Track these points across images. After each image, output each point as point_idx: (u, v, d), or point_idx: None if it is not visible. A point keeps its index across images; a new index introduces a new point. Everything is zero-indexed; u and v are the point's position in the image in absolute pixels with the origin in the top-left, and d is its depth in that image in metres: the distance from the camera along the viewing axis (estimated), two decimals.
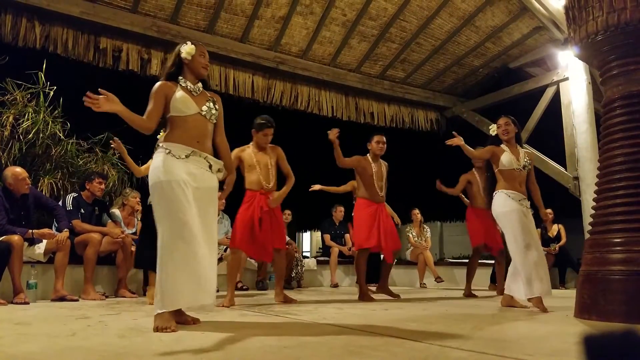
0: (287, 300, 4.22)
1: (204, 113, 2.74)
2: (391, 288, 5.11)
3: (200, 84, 2.84)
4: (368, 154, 4.84)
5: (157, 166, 2.62)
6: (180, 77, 2.79)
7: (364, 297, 4.60)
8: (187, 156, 2.63)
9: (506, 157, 3.91)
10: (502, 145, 3.99)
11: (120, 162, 6.02)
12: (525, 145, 7.25)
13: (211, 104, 2.79)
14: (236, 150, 4.17)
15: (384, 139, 4.88)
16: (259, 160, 4.16)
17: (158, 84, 2.76)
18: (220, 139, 2.93)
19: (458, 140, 4.01)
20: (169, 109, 2.71)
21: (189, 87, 2.77)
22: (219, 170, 2.79)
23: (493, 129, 4.09)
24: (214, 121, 2.81)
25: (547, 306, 3.58)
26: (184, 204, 2.53)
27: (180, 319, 2.67)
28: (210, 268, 2.61)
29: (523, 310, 3.61)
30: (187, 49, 2.78)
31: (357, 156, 4.80)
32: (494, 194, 3.94)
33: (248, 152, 4.20)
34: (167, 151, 2.63)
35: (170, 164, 2.59)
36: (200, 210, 2.61)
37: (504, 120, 4.01)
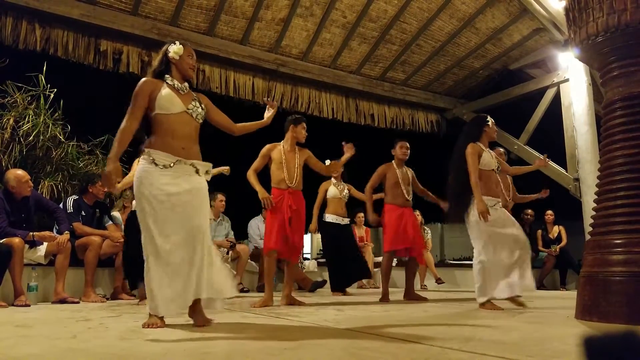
0: (295, 303, 4.20)
1: (190, 111, 2.70)
2: (391, 289, 5.11)
3: (186, 84, 2.81)
4: (393, 161, 4.89)
5: (139, 176, 2.62)
6: (167, 76, 2.76)
7: (384, 298, 4.60)
8: (171, 166, 2.61)
9: (487, 157, 3.88)
10: (480, 145, 3.93)
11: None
12: (527, 147, 7.31)
13: (197, 102, 2.76)
14: (268, 146, 4.25)
15: (407, 144, 4.92)
16: (287, 159, 4.19)
17: (143, 80, 2.72)
18: (236, 126, 3.06)
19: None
20: (154, 107, 2.64)
21: (175, 85, 2.73)
22: (207, 172, 2.76)
23: (491, 124, 4.01)
24: (200, 120, 2.78)
25: (549, 308, 3.59)
26: (160, 220, 2.55)
27: (195, 319, 2.70)
28: (196, 270, 2.56)
29: (524, 312, 3.60)
30: (174, 49, 2.76)
31: (380, 168, 4.87)
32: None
33: (279, 149, 4.23)
34: (151, 159, 2.60)
35: (152, 175, 2.58)
36: (185, 213, 2.59)
37: (493, 121, 4.02)
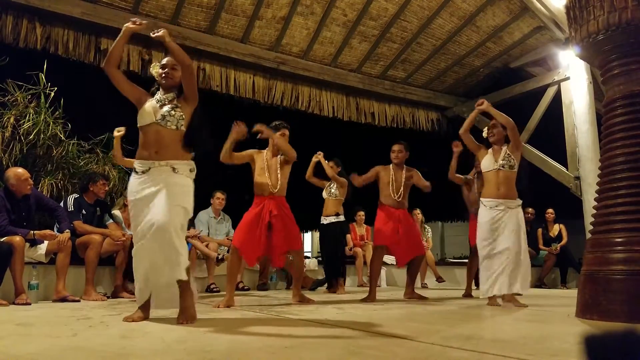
0: (304, 300, 4.21)
1: (159, 121, 2.81)
2: (391, 287, 5.12)
3: (171, 94, 2.91)
4: (391, 164, 4.91)
5: (129, 183, 2.91)
6: (157, 91, 2.97)
7: (369, 296, 4.57)
8: (145, 171, 2.80)
9: (485, 161, 4.09)
10: (490, 149, 4.13)
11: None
12: (527, 146, 7.30)
13: (167, 111, 2.82)
14: (251, 150, 4.25)
15: (400, 147, 4.91)
16: (270, 165, 4.17)
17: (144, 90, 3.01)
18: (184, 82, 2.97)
19: (487, 106, 4.12)
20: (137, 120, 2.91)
21: (157, 98, 2.91)
22: (190, 171, 2.88)
23: (485, 132, 4.23)
24: (174, 127, 2.83)
25: (549, 306, 3.59)
26: (135, 217, 2.79)
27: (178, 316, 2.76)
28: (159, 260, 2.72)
29: (524, 310, 3.61)
30: (153, 71, 3.02)
31: (375, 167, 4.90)
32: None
33: (262, 155, 4.22)
34: (134, 169, 2.87)
35: (133, 182, 2.83)
36: (153, 210, 2.71)
37: (491, 123, 4.18)
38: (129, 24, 2.85)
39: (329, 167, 5.55)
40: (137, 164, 2.85)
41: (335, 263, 5.90)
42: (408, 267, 5.06)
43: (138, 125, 2.88)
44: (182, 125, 2.85)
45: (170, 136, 2.82)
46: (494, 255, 3.90)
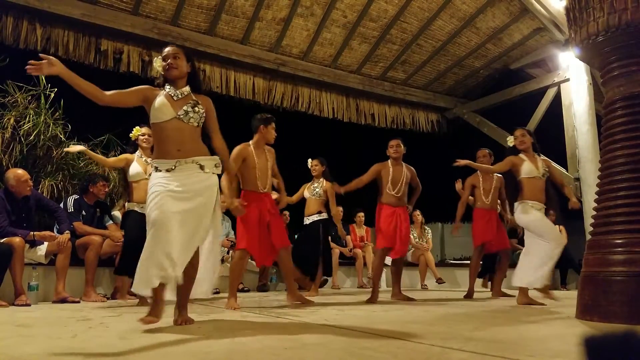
0: (302, 301, 4.15)
1: (180, 117, 2.71)
2: (391, 289, 5.11)
3: (186, 88, 2.81)
4: (389, 160, 4.84)
5: (149, 182, 2.75)
6: (166, 85, 2.83)
7: (372, 298, 4.54)
8: (171, 169, 2.67)
9: (526, 167, 4.19)
10: (521, 155, 4.25)
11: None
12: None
13: (190, 107, 2.75)
14: (241, 147, 4.06)
15: (397, 142, 4.85)
16: (260, 165, 4.10)
17: (144, 86, 2.86)
18: (218, 142, 2.90)
19: (466, 162, 4.40)
20: (151, 117, 2.76)
21: (170, 92, 2.77)
22: (215, 166, 2.78)
23: (510, 141, 4.36)
24: (195, 124, 2.76)
25: (549, 307, 3.60)
26: (163, 201, 2.58)
27: (176, 318, 2.75)
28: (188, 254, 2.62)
29: (524, 311, 3.61)
30: (156, 65, 2.86)
31: (374, 166, 4.81)
32: (516, 203, 4.22)
33: (250, 151, 4.10)
34: (156, 168, 2.72)
35: (157, 179, 2.68)
36: (190, 209, 2.62)
37: (520, 131, 4.29)
38: (49, 69, 2.66)
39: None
40: (158, 162, 2.70)
41: (313, 262, 5.67)
42: (393, 268, 5.03)
43: (153, 121, 2.74)
44: (202, 122, 2.80)
45: (190, 132, 2.75)
46: (543, 248, 4.19)
